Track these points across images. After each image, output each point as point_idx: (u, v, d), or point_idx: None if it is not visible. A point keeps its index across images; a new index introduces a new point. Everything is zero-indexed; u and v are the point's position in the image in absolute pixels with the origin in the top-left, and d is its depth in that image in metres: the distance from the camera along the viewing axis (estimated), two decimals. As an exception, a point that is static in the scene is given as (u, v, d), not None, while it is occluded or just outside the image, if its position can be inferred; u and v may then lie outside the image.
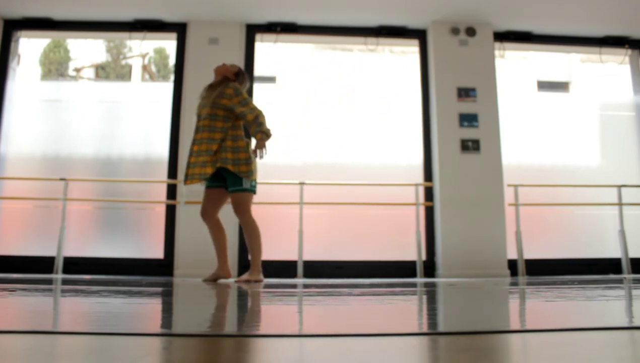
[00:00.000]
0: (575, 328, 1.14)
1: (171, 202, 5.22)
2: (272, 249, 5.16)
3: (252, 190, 3.53)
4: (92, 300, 1.95)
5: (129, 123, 5.64)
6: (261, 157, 3.49)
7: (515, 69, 6.20)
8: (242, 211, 3.51)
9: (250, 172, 3.49)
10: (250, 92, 3.79)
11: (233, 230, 5.06)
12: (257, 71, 5.60)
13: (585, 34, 5.88)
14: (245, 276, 3.56)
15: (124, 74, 7.05)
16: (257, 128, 3.46)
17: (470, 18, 5.54)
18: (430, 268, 5.25)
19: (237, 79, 3.69)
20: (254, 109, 3.52)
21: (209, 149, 3.46)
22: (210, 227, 3.61)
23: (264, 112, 3.56)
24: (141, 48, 6.21)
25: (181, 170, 5.20)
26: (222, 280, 3.64)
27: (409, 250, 5.22)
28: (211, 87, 3.67)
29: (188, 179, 3.50)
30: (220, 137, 3.49)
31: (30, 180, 5.30)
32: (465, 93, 5.45)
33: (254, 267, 3.52)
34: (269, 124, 3.57)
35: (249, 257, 3.62)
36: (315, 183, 5.22)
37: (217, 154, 3.48)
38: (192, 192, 5.08)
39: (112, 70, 6.89)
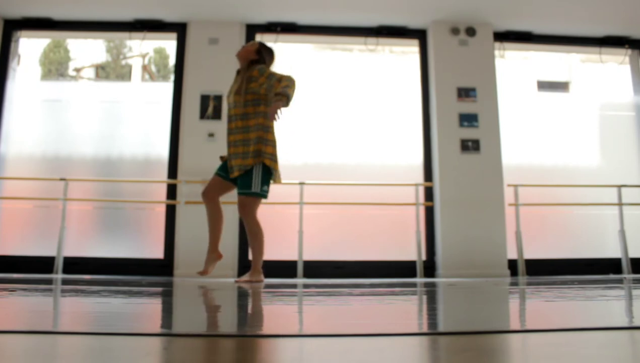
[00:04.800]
0: (575, 328, 1.14)
1: (171, 202, 5.22)
2: (272, 249, 5.15)
3: (262, 195, 3.44)
4: (92, 300, 1.94)
5: (129, 123, 5.63)
6: (273, 119, 3.29)
7: (515, 69, 6.20)
8: (247, 213, 3.43)
9: (272, 170, 3.41)
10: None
11: (233, 231, 5.06)
12: (257, 71, 5.59)
13: (585, 34, 5.88)
14: (246, 277, 3.56)
15: (124, 74, 7.05)
16: (282, 89, 3.29)
17: (470, 18, 5.53)
18: (430, 268, 5.25)
19: (260, 57, 3.59)
20: (284, 76, 3.37)
21: (246, 138, 3.41)
22: (208, 208, 3.53)
23: (295, 83, 3.39)
24: (141, 48, 6.21)
25: (181, 171, 5.20)
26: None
27: (409, 250, 5.21)
28: (238, 73, 3.62)
29: (231, 171, 3.44)
30: (255, 124, 3.40)
31: (30, 180, 5.30)
32: (465, 93, 5.45)
33: (254, 268, 3.51)
34: (294, 96, 3.37)
35: (250, 258, 3.62)
36: (315, 183, 5.21)
37: (257, 145, 3.39)
38: (192, 192, 5.08)
39: (112, 70, 6.90)
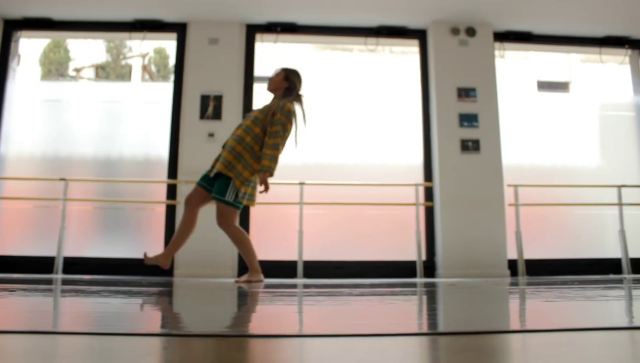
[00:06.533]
0: (575, 328, 1.14)
1: (171, 202, 5.22)
2: (272, 249, 5.16)
3: (235, 206, 3.47)
4: (92, 300, 1.94)
5: (129, 123, 5.63)
6: (260, 191, 3.44)
7: (515, 69, 6.20)
8: (224, 223, 3.47)
9: (245, 194, 3.46)
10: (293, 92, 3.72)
11: (233, 230, 5.06)
12: (257, 71, 5.59)
13: (585, 34, 5.88)
14: (245, 277, 3.56)
15: (124, 74, 7.05)
16: (267, 155, 3.40)
17: (470, 18, 5.53)
18: (430, 268, 5.25)
19: (290, 82, 3.65)
20: (278, 143, 3.44)
21: (234, 149, 3.47)
22: (185, 216, 3.56)
23: (282, 152, 3.49)
24: (141, 48, 6.21)
25: (181, 171, 5.20)
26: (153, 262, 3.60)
27: (409, 250, 5.21)
28: (274, 99, 3.67)
29: (211, 169, 3.55)
30: (248, 144, 3.47)
31: (30, 180, 5.30)
32: (465, 93, 5.45)
33: (251, 269, 3.52)
34: (278, 162, 3.48)
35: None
36: (315, 183, 5.21)
37: (237, 161, 3.46)
38: (192, 192, 5.07)
39: (112, 70, 6.90)
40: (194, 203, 3.57)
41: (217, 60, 5.37)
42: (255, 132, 3.50)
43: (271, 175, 3.42)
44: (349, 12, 5.48)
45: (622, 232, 5.25)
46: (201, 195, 3.58)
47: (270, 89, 3.71)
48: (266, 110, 3.58)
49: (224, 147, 3.56)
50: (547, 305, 1.88)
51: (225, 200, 3.44)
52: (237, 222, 3.55)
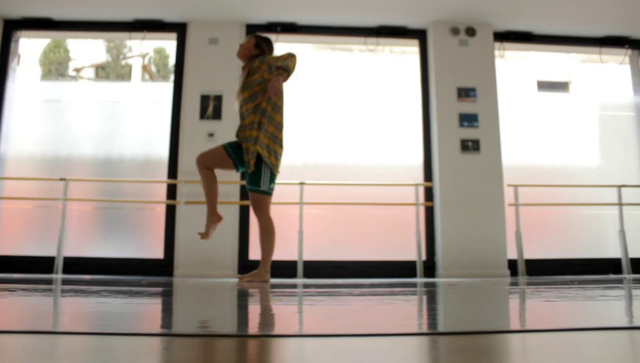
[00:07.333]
0: (575, 328, 1.14)
1: (171, 202, 5.22)
2: (272, 249, 5.15)
3: (269, 193, 3.47)
4: (92, 300, 1.94)
5: (129, 123, 5.63)
6: (275, 94, 3.32)
7: (515, 69, 6.20)
8: (260, 211, 3.46)
9: (275, 166, 3.43)
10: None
11: (233, 231, 5.06)
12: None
13: (585, 34, 5.88)
14: (251, 275, 3.51)
15: (124, 74, 7.05)
16: (282, 62, 3.33)
17: (470, 18, 5.53)
18: (430, 268, 5.25)
19: (260, 50, 3.59)
20: (283, 55, 3.40)
21: (253, 123, 3.41)
22: (203, 174, 3.46)
23: (295, 57, 3.41)
24: (141, 48, 6.21)
25: (181, 171, 5.20)
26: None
27: (409, 250, 5.21)
28: (243, 69, 3.60)
29: (248, 165, 3.41)
30: (259, 120, 3.41)
31: (30, 180, 5.30)
32: (465, 93, 5.45)
33: (262, 267, 3.48)
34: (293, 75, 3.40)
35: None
36: (315, 183, 5.21)
37: (260, 131, 3.38)
38: (192, 192, 5.08)
39: (112, 70, 6.90)
40: (209, 165, 3.47)
41: (217, 60, 5.37)
42: (256, 104, 3.44)
43: (287, 77, 3.34)
44: (349, 12, 5.48)
45: (622, 232, 5.25)
46: (221, 158, 3.47)
47: (239, 54, 3.63)
48: (247, 82, 3.47)
49: (246, 139, 3.43)
50: (547, 305, 1.88)
51: (261, 190, 3.42)
52: (269, 210, 3.49)
